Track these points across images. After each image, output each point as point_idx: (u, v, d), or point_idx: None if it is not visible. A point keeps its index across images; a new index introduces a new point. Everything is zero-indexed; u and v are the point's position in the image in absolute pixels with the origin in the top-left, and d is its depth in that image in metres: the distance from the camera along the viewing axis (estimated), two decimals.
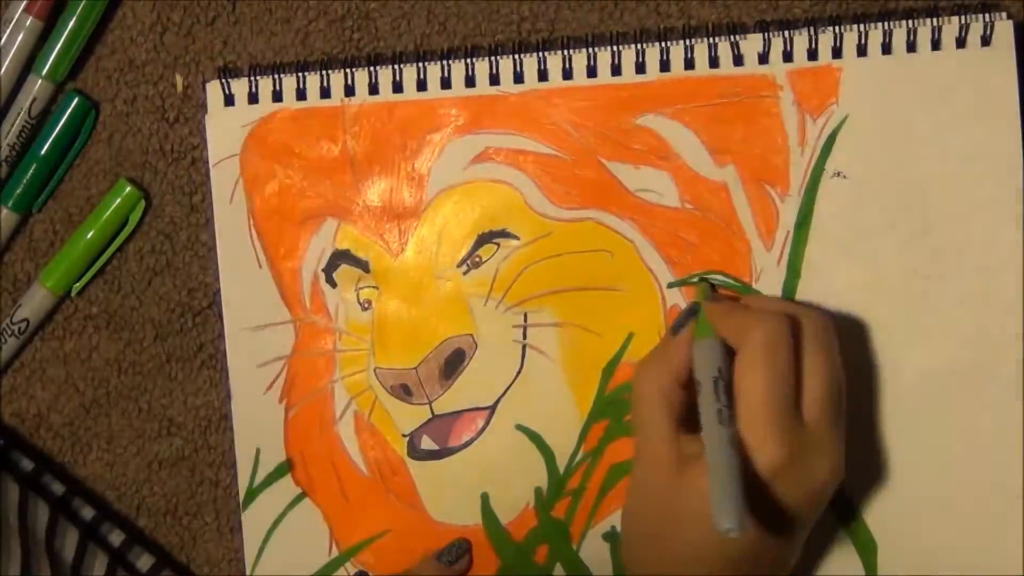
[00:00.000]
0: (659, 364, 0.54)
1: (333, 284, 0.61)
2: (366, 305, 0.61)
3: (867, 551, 0.60)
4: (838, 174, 0.59)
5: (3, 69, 0.61)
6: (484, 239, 0.60)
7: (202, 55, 0.62)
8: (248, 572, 0.62)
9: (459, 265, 0.61)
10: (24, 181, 0.62)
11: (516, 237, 0.60)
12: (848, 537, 0.60)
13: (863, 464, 0.59)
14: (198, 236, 0.62)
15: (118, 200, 0.61)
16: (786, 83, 0.59)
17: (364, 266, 0.61)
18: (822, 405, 0.52)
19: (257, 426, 0.61)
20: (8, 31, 0.60)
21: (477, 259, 0.60)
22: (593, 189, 0.60)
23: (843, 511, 0.59)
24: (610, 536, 0.61)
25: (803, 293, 0.60)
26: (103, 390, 0.64)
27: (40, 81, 0.61)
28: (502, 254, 0.60)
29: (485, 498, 0.61)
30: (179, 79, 0.62)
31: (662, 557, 0.52)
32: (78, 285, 0.62)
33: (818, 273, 0.59)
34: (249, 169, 0.61)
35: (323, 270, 0.61)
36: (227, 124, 0.61)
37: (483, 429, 0.61)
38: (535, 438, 0.61)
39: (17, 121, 0.61)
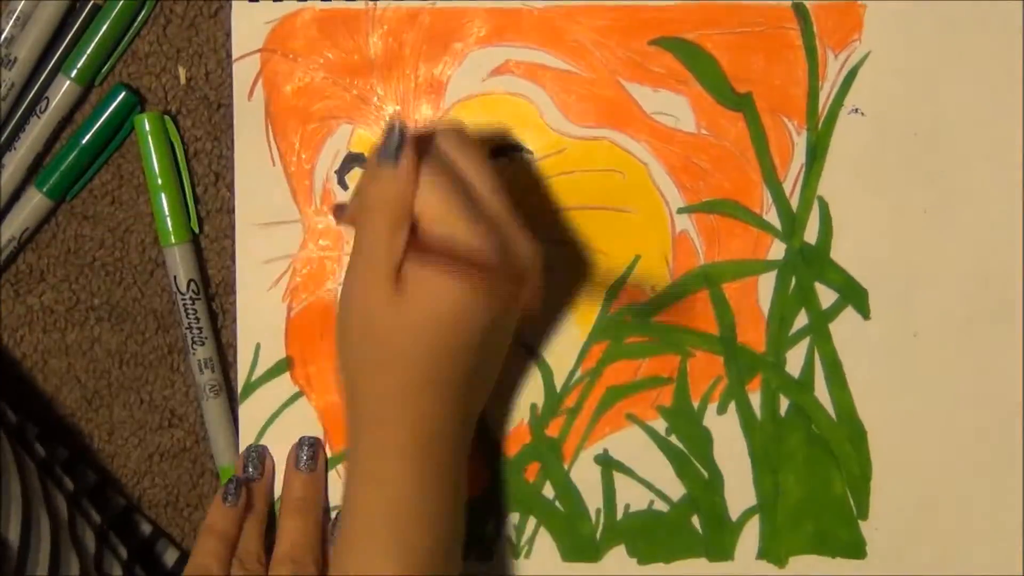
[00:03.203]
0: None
1: (345, 187, 0.61)
2: None
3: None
4: (856, 110, 0.59)
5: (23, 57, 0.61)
6: (498, 152, 0.60)
7: (205, 47, 0.62)
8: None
9: None
10: (61, 169, 0.62)
11: (530, 151, 0.60)
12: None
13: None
14: (199, 227, 0.63)
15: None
16: (810, 16, 0.59)
17: None
18: (494, 196, 0.51)
19: (259, 322, 0.61)
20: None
21: None
22: (610, 109, 0.60)
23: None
24: (602, 459, 0.61)
25: (812, 227, 0.60)
26: (104, 381, 0.64)
27: (68, 83, 0.61)
28: (515, 168, 0.60)
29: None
30: (182, 71, 0.62)
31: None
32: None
33: (829, 208, 0.59)
34: (269, 66, 0.61)
35: (336, 172, 0.61)
36: (251, 19, 0.61)
37: None
38: (534, 354, 0.61)
39: (43, 120, 0.62)
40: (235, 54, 0.61)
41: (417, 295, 0.49)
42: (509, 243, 0.50)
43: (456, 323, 0.50)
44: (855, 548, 0.60)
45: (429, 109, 0.61)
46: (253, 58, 0.61)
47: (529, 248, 0.51)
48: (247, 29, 0.61)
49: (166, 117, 0.61)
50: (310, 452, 0.61)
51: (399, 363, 0.51)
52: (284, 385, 0.62)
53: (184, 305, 0.61)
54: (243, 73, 0.61)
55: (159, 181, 0.61)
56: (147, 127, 0.61)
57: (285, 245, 0.61)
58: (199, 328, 0.62)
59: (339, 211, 0.56)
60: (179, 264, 0.62)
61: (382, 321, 0.50)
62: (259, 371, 0.62)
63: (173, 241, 0.62)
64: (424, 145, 0.51)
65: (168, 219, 0.62)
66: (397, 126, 0.50)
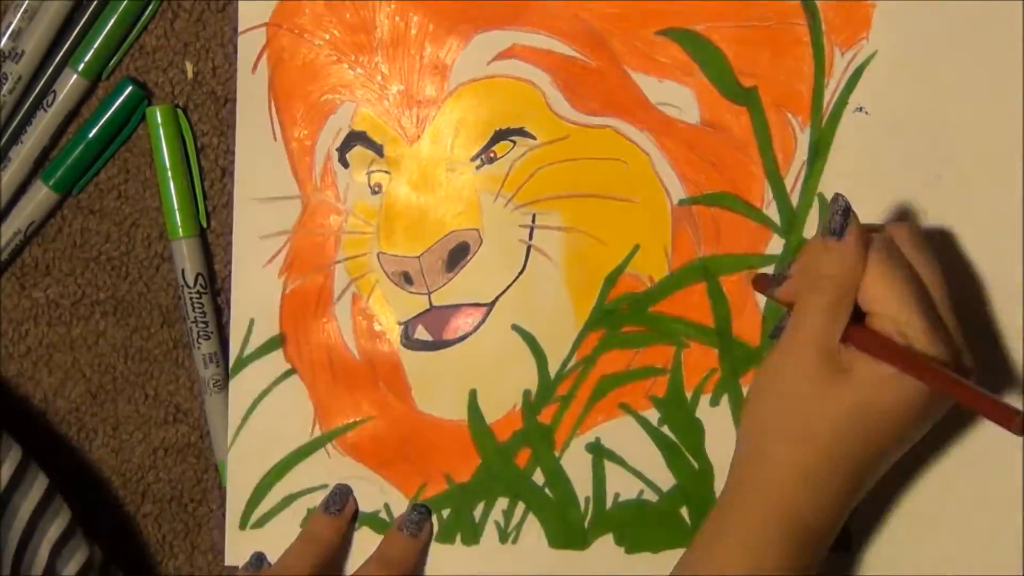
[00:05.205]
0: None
1: (345, 165, 0.61)
2: (376, 189, 0.61)
3: None
4: (860, 109, 0.59)
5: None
6: (501, 135, 0.60)
7: (212, 42, 0.61)
8: (230, 441, 0.61)
9: (473, 159, 0.61)
10: (68, 163, 0.62)
11: (533, 137, 0.60)
12: None
13: None
14: (207, 222, 0.62)
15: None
16: (818, 13, 0.59)
17: (378, 150, 0.61)
18: (948, 305, 0.52)
19: (253, 297, 0.61)
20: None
21: (492, 155, 0.60)
22: (615, 97, 0.60)
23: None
24: (593, 447, 0.61)
25: (811, 224, 0.60)
26: (109, 376, 0.63)
27: (75, 76, 0.61)
28: (517, 152, 0.60)
29: (473, 394, 0.61)
30: (189, 66, 0.62)
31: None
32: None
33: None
34: (275, 41, 0.61)
35: (337, 149, 0.61)
36: None
37: (479, 325, 0.61)
38: (530, 340, 0.61)
39: (50, 113, 0.61)
40: (241, 26, 0.61)
41: (863, 383, 0.50)
42: (955, 357, 0.51)
43: (899, 420, 0.50)
44: (845, 543, 0.60)
45: (433, 90, 0.60)
46: (259, 32, 0.61)
47: (971, 362, 0.52)
48: (254, 2, 0.61)
49: (178, 110, 0.61)
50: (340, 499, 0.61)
51: (824, 440, 0.50)
52: (276, 362, 0.61)
53: (191, 299, 0.61)
54: (248, 46, 0.61)
55: (169, 174, 0.61)
56: (159, 119, 0.61)
57: (283, 221, 0.61)
58: (204, 323, 0.61)
59: (762, 282, 0.55)
60: (186, 258, 0.61)
61: (816, 397, 0.50)
62: (251, 347, 0.61)
63: (181, 234, 0.61)
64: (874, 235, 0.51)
65: (177, 212, 0.61)
66: (841, 200, 0.51)
